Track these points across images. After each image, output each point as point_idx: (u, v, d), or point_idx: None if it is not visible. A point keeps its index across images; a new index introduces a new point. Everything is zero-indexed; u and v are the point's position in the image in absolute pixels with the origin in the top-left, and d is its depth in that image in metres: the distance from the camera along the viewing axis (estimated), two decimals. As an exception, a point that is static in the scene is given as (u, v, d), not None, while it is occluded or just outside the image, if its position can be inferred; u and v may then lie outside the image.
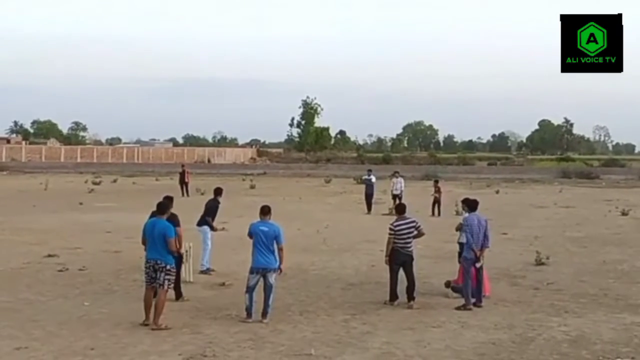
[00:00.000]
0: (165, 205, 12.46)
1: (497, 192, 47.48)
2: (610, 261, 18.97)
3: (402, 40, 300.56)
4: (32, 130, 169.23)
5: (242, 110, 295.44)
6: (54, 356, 10.11)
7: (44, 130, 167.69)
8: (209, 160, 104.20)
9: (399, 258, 13.58)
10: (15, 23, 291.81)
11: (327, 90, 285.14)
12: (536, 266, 17.78)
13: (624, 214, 31.50)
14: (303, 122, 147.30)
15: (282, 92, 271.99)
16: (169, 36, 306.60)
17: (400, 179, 34.01)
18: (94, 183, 51.80)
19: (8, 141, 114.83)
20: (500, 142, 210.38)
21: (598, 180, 63.20)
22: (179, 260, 13.45)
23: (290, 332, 11.51)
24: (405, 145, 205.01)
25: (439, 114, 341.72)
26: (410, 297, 13.50)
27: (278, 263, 12.30)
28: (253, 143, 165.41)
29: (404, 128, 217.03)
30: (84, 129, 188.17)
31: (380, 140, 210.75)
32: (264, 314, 12.18)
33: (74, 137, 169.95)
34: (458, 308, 13.23)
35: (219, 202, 17.40)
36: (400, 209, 14.32)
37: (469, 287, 13.43)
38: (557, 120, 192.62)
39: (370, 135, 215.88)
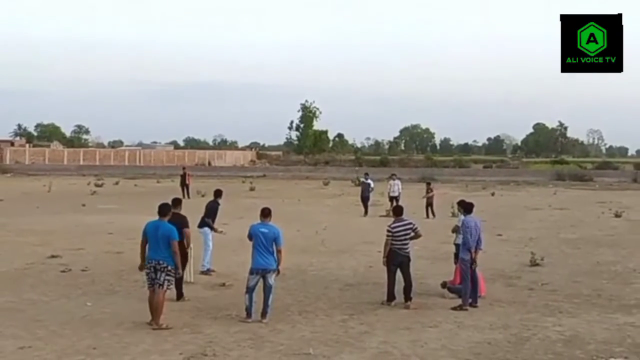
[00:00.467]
0: (167, 207, 12.44)
1: (493, 194, 47.49)
2: (604, 262, 18.98)
3: (399, 45, 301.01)
4: (35, 133, 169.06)
5: (242, 114, 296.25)
6: (57, 355, 10.11)
7: (48, 133, 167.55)
8: (209, 163, 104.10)
9: (396, 259, 13.59)
10: (20, 28, 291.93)
11: (326, 94, 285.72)
12: (531, 267, 17.79)
13: (617, 215, 31.53)
14: (302, 125, 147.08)
15: (282, 96, 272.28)
16: (170, 41, 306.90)
17: (398, 182, 34.03)
18: (97, 185, 51.83)
19: (12, 144, 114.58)
20: (495, 145, 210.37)
21: (592, 183, 63.20)
22: (184, 259, 13.48)
23: (289, 332, 11.51)
24: (402, 148, 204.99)
25: (436, 117, 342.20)
26: (407, 297, 13.51)
27: (277, 264, 12.32)
28: (253, 146, 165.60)
29: (401, 131, 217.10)
30: (87, 132, 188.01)
31: (377, 143, 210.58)
32: (264, 314, 12.19)
33: (76, 140, 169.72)
34: (454, 308, 13.23)
35: (218, 204, 17.42)
36: (397, 211, 14.34)
37: (467, 288, 13.43)
38: (551, 124, 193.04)
39: (368, 138, 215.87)
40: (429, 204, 31.51)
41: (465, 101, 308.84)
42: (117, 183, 57.23)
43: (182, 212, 14.08)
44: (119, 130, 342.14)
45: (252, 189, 50.21)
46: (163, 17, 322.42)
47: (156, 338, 11.01)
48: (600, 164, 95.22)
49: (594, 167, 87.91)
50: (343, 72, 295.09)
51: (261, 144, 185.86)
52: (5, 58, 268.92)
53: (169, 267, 11.76)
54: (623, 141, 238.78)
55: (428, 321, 12.34)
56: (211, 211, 17.21)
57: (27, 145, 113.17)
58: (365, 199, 32.91)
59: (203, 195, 35.65)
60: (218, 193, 17.57)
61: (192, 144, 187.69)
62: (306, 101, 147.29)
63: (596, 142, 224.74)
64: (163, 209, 12.25)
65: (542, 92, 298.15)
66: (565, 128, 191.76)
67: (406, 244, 13.67)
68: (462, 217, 14.16)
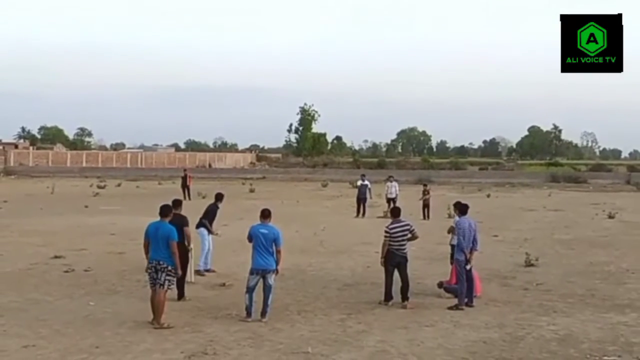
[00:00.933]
0: (168, 208, 12.45)
1: (488, 195, 47.49)
2: (598, 263, 18.99)
3: (396, 50, 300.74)
4: (39, 136, 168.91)
5: (242, 117, 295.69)
6: (61, 354, 10.11)
7: (51, 136, 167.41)
8: (209, 165, 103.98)
9: (394, 259, 13.60)
10: (24, 33, 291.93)
11: (324, 97, 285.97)
12: (526, 267, 17.80)
13: (610, 217, 31.55)
14: (301, 128, 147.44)
15: (281, 99, 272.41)
16: (171, 45, 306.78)
17: (395, 183, 34.01)
18: (99, 187, 51.80)
19: (16, 146, 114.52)
20: (491, 147, 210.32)
21: (585, 185, 63.17)
22: (185, 260, 13.49)
23: (289, 331, 11.52)
24: (400, 150, 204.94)
25: (432, 120, 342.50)
26: (405, 297, 13.51)
27: (276, 264, 12.33)
28: (252, 148, 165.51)
29: (398, 134, 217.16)
30: (90, 134, 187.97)
31: (375, 146, 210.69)
32: (263, 313, 12.19)
33: (79, 143, 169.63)
34: (450, 308, 13.24)
35: (218, 207, 17.47)
36: (395, 212, 14.35)
37: (463, 288, 13.44)
38: (546, 127, 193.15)
39: (366, 141, 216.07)
40: (426, 206, 31.52)
41: (461, 105, 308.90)
42: (119, 185, 57.21)
43: (183, 213, 14.09)
44: (121, 133, 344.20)
45: (252, 191, 50.20)
46: (165, 22, 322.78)
47: (158, 337, 11.02)
48: (594, 166, 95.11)
49: (587, 169, 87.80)
50: (341, 76, 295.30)
51: (261, 146, 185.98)
52: (10, 62, 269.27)
53: (169, 268, 11.76)
54: (616, 144, 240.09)
55: (425, 320, 12.34)
56: (210, 214, 17.23)
57: (31, 147, 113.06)
58: (363, 200, 32.85)
59: (204, 197, 35.66)
60: (219, 197, 17.63)
61: (193, 146, 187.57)
62: (305, 104, 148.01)
63: (590, 144, 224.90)
64: (164, 210, 12.26)
65: (537, 96, 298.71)
66: (560, 131, 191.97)
67: (404, 245, 13.68)
68: (457, 218, 14.17)
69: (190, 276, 14.94)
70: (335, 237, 24.06)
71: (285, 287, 14.69)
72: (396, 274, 13.65)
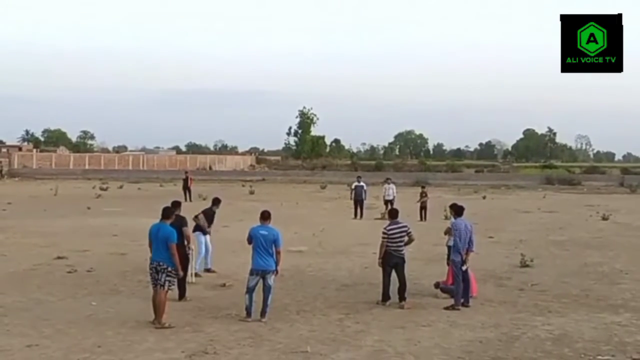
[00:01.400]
0: (170, 210, 12.46)
1: (484, 197, 47.48)
2: (592, 263, 18.99)
3: (394, 54, 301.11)
4: (42, 139, 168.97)
5: (242, 120, 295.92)
6: (64, 353, 10.10)
7: (54, 139, 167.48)
8: (210, 167, 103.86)
9: (391, 260, 13.59)
10: (28, 37, 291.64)
11: (323, 100, 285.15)
12: (521, 268, 17.79)
13: (604, 218, 31.55)
14: (300, 131, 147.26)
15: (280, 103, 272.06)
16: (173, 49, 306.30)
17: (392, 185, 33.98)
18: (101, 189, 51.70)
19: (20, 149, 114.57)
20: (487, 150, 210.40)
21: (580, 187, 63.16)
22: (186, 260, 13.49)
23: (288, 331, 11.51)
24: (397, 153, 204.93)
25: (429, 123, 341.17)
26: (402, 297, 13.51)
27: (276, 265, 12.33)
28: (252, 151, 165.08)
29: (396, 137, 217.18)
30: (92, 137, 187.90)
31: (373, 149, 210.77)
32: (263, 313, 12.19)
33: (82, 145, 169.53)
34: (447, 308, 13.24)
35: (214, 212, 17.43)
36: (393, 214, 14.35)
37: (460, 288, 13.44)
38: (541, 130, 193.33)
39: (364, 144, 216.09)
40: (423, 207, 31.49)
41: (458, 108, 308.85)
42: (121, 187, 57.15)
43: (184, 214, 14.09)
44: (123, 136, 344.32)
45: (251, 193, 50.17)
46: (166, 28, 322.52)
47: (159, 336, 11.01)
48: (588, 169, 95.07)
49: (582, 171, 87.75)
50: (340, 80, 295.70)
51: (260, 149, 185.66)
52: (14, 66, 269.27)
53: (169, 268, 11.76)
54: (610, 146, 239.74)
55: (422, 320, 12.34)
56: (206, 217, 17.18)
57: (35, 150, 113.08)
58: (359, 202, 32.80)
59: (204, 199, 35.61)
60: (216, 201, 17.62)
61: (194, 149, 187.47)
62: (304, 108, 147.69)
63: (584, 147, 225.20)
64: (166, 212, 12.28)
65: (532, 99, 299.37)
66: (554, 134, 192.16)
67: (401, 246, 13.68)
68: (453, 219, 14.17)
69: (190, 276, 14.94)
70: (333, 238, 24.05)
71: (284, 287, 14.69)
72: (394, 274, 13.65)
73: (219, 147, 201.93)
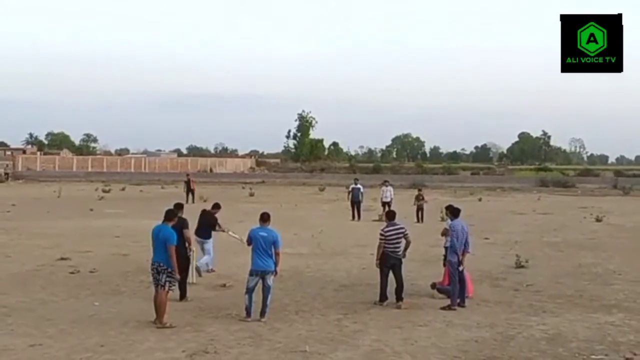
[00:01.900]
0: (172, 212, 12.45)
1: (480, 199, 47.52)
2: (585, 264, 18.98)
3: (391, 59, 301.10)
4: (46, 142, 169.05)
5: (242, 123, 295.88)
6: (67, 353, 10.09)
7: (58, 142, 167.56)
8: (211, 170, 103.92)
9: (388, 261, 13.58)
10: (32, 41, 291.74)
11: (322, 104, 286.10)
12: (516, 269, 17.79)
13: (598, 220, 31.54)
14: (299, 134, 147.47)
15: (280, 106, 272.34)
16: (174, 54, 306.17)
17: (390, 188, 33.96)
18: (104, 191, 51.71)
19: (24, 152, 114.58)
20: (482, 153, 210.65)
21: (574, 189, 63.21)
22: (186, 261, 13.47)
23: (287, 330, 11.50)
24: (394, 156, 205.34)
25: (426, 126, 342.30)
26: (399, 297, 13.50)
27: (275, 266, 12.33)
28: (252, 154, 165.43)
29: (393, 140, 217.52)
30: (95, 140, 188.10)
31: (370, 151, 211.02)
32: (262, 313, 12.18)
33: (85, 148, 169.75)
34: (443, 308, 13.23)
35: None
36: (390, 216, 14.33)
37: (456, 289, 13.43)
38: (535, 133, 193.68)
39: (362, 147, 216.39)
40: (420, 209, 31.45)
41: (454, 111, 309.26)
42: (123, 189, 57.12)
43: (187, 216, 14.09)
44: (126, 139, 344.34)
45: (251, 195, 50.17)
46: (168, 33, 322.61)
47: (160, 336, 11.00)
48: (582, 171, 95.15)
49: (576, 174, 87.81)
50: (338, 84, 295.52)
51: (260, 151, 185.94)
52: (19, 70, 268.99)
53: (169, 269, 11.75)
54: (603, 149, 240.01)
55: (418, 320, 12.33)
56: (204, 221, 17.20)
57: (38, 153, 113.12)
58: (357, 204, 32.77)
59: (205, 201, 35.60)
60: (216, 206, 17.56)
61: (195, 151, 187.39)
62: (303, 111, 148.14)
63: (578, 150, 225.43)
64: (168, 214, 12.27)
65: (527, 103, 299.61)
66: (549, 137, 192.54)
67: (398, 247, 13.67)
68: (450, 221, 14.16)
69: (191, 277, 14.92)
70: (332, 239, 24.04)
71: (283, 287, 14.69)
72: (391, 275, 13.64)
73: (220, 150, 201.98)
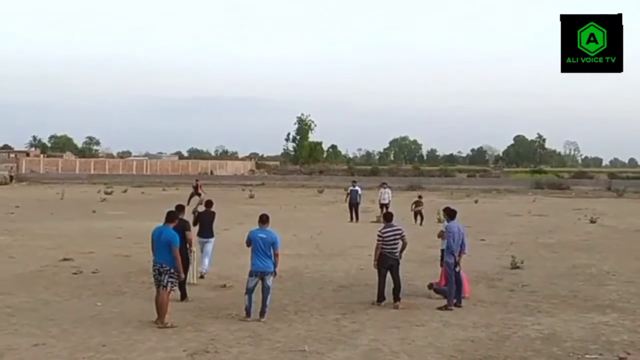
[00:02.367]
0: (174, 214, 12.46)
1: (476, 201, 47.51)
2: (580, 265, 18.99)
3: (389, 63, 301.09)
4: (49, 144, 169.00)
5: (242, 126, 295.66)
6: (69, 352, 10.09)
7: (61, 144, 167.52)
8: (211, 172, 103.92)
9: (386, 262, 13.59)
10: (36, 45, 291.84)
11: (320, 107, 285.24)
12: (512, 270, 17.79)
13: (592, 221, 31.56)
14: (298, 137, 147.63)
15: (279, 110, 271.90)
16: (175, 58, 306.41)
17: (388, 190, 33.93)
18: (106, 193, 51.70)
19: (27, 154, 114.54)
20: (478, 155, 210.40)
21: (568, 191, 63.17)
22: (186, 262, 13.47)
23: (286, 330, 11.50)
24: (392, 158, 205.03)
25: (423, 130, 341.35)
26: (396, 298, 13.50)
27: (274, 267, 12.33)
28: (252, 156, 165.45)
29: (391, 143, 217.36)
30: (97, 143, 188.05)
31: (368, 154, 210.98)
32: (262, 313, 12.18)
33: (88, 151, 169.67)
34: (440, 308, 13.23)
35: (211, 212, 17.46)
36: (387, 217, 14.33)
37: (452, 289, 13.43)
38: (530, 136, 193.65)
39: (360, 149, 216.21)
40: (418, 213, 31.36)
41: (451, 115, 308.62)
42: (125, 191, 57.08)
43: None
44: (128, 142, 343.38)
45: (251, 197, 50.17)
46: (169, 37, 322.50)
47: (161, 336, 11.00)
48: (576, 174, 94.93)
49: (570, 176, 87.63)
50: (336, 87, 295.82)
51: (260, 154, 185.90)
52: (23, 74, 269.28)
53: (172, 270, 11.75)
54: (598, 152, 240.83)
55: (415, 320, 12.33)
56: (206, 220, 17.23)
57: (42, 155, 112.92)
58: (355, 205, 32.75)
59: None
60: (209, 203, 17.46)
61: (196, 154, 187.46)
62: (302, 115, 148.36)
63: (572, 152, 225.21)
64: (169, 216, 12.27)
65: (522, 107, 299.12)
66: (544, 140, 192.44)
67: (396, 248, 13.68)
68: (446, 223, 14.16)
69: (192, 278, 14.93)
70: (330, 240, 24.03)
71: (283, 288, 14.69)
72: (388, 275, 13.64)
73: (220, 153, 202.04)
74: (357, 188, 33.37)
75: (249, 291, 12.24)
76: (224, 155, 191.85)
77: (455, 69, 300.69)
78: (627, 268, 18.55)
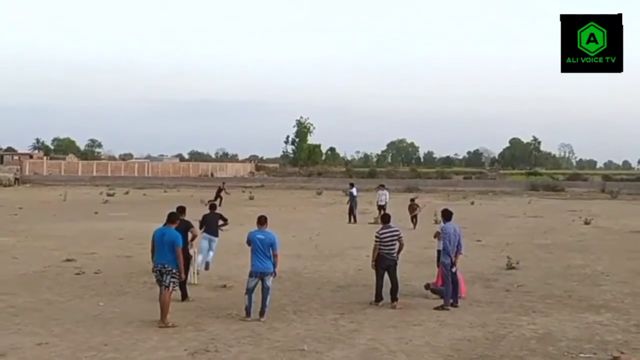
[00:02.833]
0: (175, 215, 12.45)
1: (472, 203, 47.52)
2: (574, 266, 19.00)
3: (387, 66, 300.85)
4: (52, 147, 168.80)
5: (242, 129, 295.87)
6: (72, 351, 10.08)
7: (64, 147, 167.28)
8: (212, 174, 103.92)
9: (384, 263, 13.59)
10: (39, 49, 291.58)
11: (319, 110, 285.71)
12: (507, 270, 17.80)
13: (586, 223, 31.58)
14: (297, 139, 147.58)
15: (279, 113, 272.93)
16: (176, 61, 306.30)
17: (385, 191, 33.95)
18: (108, 194, 51.72)
19: (31, 157, 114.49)
20: (475, 158, 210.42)
21: (563, 193, 63.21)
22: (187, 262, 13.46)
23: (285, 330, 11.50)
24: (389, 160, 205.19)
25: (420, 132, 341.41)
26: (394, 298, 13.50)
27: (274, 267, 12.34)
28: (252, 158, 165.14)
29: (388, 145, 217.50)
30: (100, 145, 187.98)
31: (366, 156, 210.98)
32: (262, 313, 12.18)
33: (90, 153, 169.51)
34: (437, 308, 13.23)
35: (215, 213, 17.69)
36: (385, 219, 14.33)
37: (449, 289, 13.43)
38: (526, 139, 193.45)
39: (358, 152, 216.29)
40: (414, 216, 31.23)
41: (447, 118, 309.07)
42: (127, 193, 57.12)
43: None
44: (129, 144, 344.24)
45: (251, 198, 50.19)
46: (169, 41, 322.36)
47: (163, 335, 10.99)
48: (571, 176, 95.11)
49: (565, 178, 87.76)
50: (335, 91, 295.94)
51: (260, 156, 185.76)
52: (26, 77, 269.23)
53: (174, 270, 11.74)
54: (592, 154, 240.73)
55: (413, 320, 12.33)
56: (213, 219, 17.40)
57: (45, 157, 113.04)
58: (352, 207, 32.74)
59: (206, 204, 35.47)
60: (212, 206, 17.89)
61: (196, 156, 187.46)
62: (301, 117, 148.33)
63: (567, 155, 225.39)
64: (171, 217, 12.25)
65: (518, 110, 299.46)
66: (539, 142, 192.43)
67: (393, 249, 13.67)
68: (442, 224, 14.17)
69: (193, 278, 14.93)
70: (329, 241, 24.03)
71: (282, 288, 14.69)
72: (386, 276, 13.64)
73: (220, 155, 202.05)
74: (353, 190, 33.39)
75: (249, 291, 12.24)
76: (224, 157, 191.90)
77: (452, 72, 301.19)
78: (620, 268, 18.57)
